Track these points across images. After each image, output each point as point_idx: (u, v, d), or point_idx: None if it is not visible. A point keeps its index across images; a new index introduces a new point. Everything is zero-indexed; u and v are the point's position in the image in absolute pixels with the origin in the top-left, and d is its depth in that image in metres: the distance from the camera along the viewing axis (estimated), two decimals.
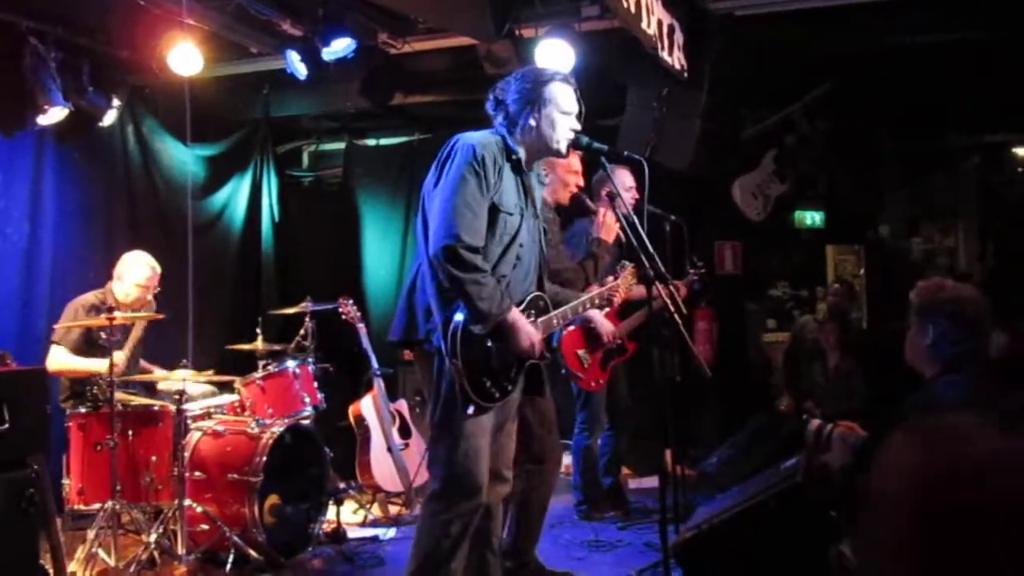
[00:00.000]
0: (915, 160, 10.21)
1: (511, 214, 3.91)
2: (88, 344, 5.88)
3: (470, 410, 3.81)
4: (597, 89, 5.74)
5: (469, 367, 3.76)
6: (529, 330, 3.88)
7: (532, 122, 3.95)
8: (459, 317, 3.74)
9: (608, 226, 5.15)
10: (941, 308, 3.55)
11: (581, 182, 5.57)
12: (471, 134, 3.95)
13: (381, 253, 9.38)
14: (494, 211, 3.84)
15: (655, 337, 5.58)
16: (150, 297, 6.14)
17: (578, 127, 4.04)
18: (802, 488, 3.74)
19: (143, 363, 6.29)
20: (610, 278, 4.74)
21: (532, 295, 4.06)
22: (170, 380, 5.88)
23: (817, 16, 6.82)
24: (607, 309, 6.21)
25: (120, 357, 5.74)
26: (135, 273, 6.09)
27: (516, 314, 3.85)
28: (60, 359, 5.82)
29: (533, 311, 4.04)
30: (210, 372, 6.12)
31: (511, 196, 3.93)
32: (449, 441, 3.87)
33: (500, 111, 4.02)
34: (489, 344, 3.81)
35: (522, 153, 4.02)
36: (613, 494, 6.69)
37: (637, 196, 5.92)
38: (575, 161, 5.47)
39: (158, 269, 6.18)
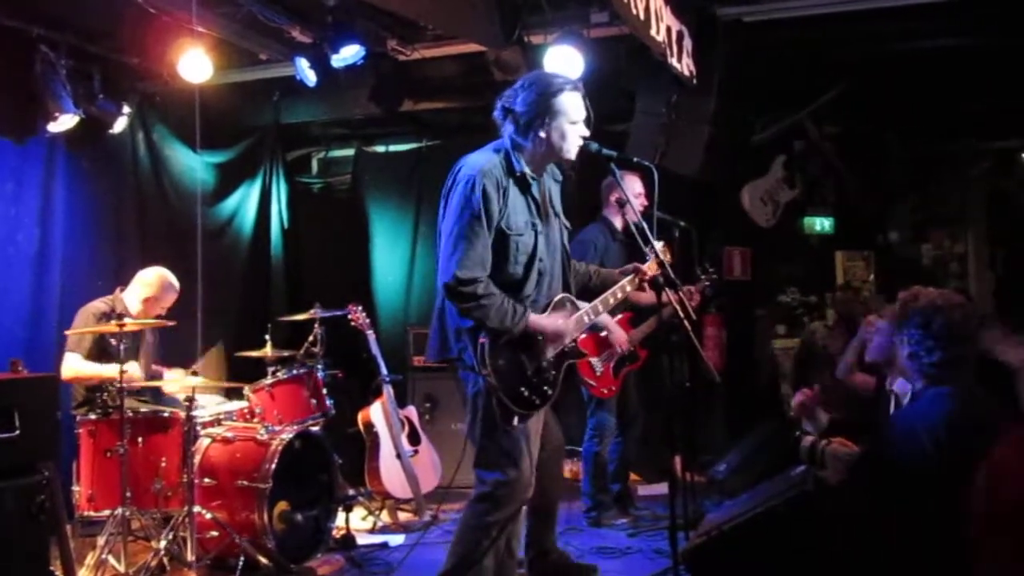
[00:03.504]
0: (925, 166, 10.20)
1: (522, 234, 3.98)
2: (100, 351, 5.89)
3: (515, 421, 3.88)
4: (606, 95, 5.75)
5: (503, 380, 3.86)
6: (551, 326, 3.98)
7: (543, 134, 4.00)
8: (486, 334, 3.84)
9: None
10: (912, 319, 3.54)
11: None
12: (473, 159, 4.01)
13: (390, 259, 9.38)
14: (503, 236, 3.92)
15: (664, 343, 5.57)
16: (156, 311, 6.15)
17: (587, 133, 4.07)
18: (812, 495, 3.73)
19: (155, 367, 6.31)
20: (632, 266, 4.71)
21: (557, 298, 4.11)
22: (179, 386, 5.90)
23: (826, 21, 6.81)
24: (620, 316, 6.25)
25: (136, 368, 5.78)
26: (159, 293, 6.10)
27: (534, 318, 3.94)
28: (75, 366, 5.83)
29: (560, 312, 4.09)
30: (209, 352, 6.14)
31: (520, 215, 4.00)
32: (495, 450, 3.97)
33: (509, 120, 4.07)
34: (520, 354, 3.92)
35: (530, 165, 4.06)
36: (622, 501, 6.69)
37: (646, 202, 5.93)
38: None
39: (177, 288, 6.19)
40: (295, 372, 6.38)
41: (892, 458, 3.45)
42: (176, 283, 6.22)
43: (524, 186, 4.04)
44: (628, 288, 4.46)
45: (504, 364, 3.89)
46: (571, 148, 4.04)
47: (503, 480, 3.96)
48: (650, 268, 4.52)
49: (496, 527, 3.99)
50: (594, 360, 6.23)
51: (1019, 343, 4.53)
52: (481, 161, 3.99)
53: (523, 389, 3.92)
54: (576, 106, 4.04)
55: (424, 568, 5.43)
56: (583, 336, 6.11)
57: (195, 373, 6.18)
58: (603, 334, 6.23)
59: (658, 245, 4.55)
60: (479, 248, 3.86)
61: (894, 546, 3.33)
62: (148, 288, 6.14)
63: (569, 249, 4.35)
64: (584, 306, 4.23)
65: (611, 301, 4.40)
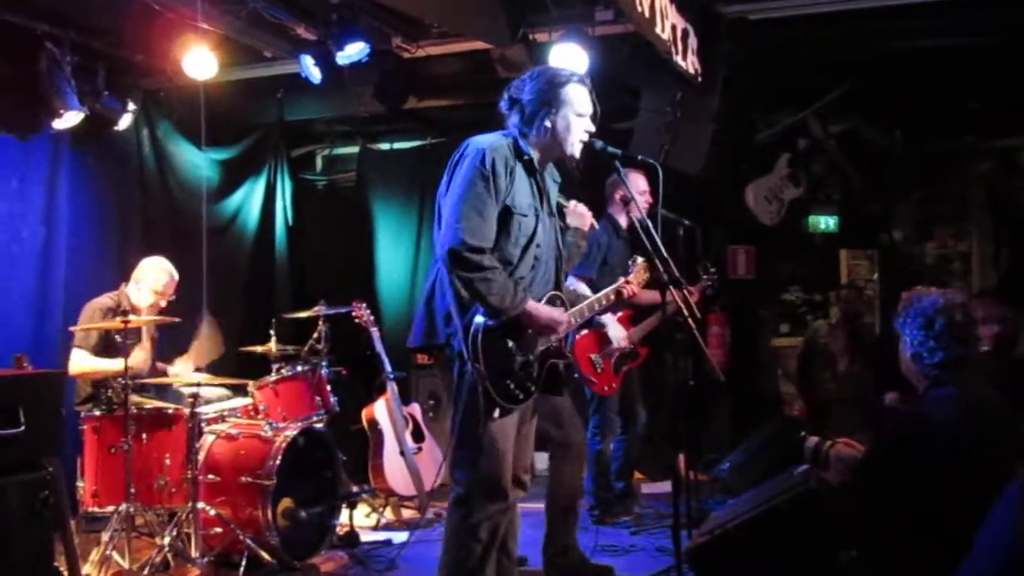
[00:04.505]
0: (928, 164, 10.18)
1: (525, 216, 3.92)
2: (106, 346, 5.90)
3: (496, 413, 3.82)
4: (611, 93, 5.73)
5: (491, 370, 3.78)
6: (547, 312, 3.92)
7: (548, 123, 3.95)
8: (479, 320, 3.77)
9: (579, 215, 5.07)
10: (914, 319, 3.52)
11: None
12: (482, 137, 3.96)
13: (394, 257, 9.39)
14: (508, 214, 3.86)
15: (668, 341, 5.58)
16: (163, 303, 6.16)
17: (593, 129, 4.04)
18: (815, 494, 3.73)
19: (159, 364, 6.32)
20: (622, 278, 4.74)
21: (549, 294, 4.07)
22: (184, 382, 5.92)
23: (830, 20, 6.81)
24: (619, 314, 6.25)
25: (140, 357, 5.79)
26: (154, 280, 6.11)
27: (531, 303, 3.87)
28: (82, 362, 5.85)
29: None
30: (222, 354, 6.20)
31: (525, 197, 3.94)
32: (473, 445, 3.86)
33: (515, 110, 4.02)
34: (510, 345, 3.83)
35: (535, 154, 4.03)
36: (625, 499, 6.69)
37: (651, 200, 5.94)
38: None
39: (176, 276, 6.21)
40: (299, 369, 6.39)
41: (896, 460, 3.44)
42: (170, 267, 6.22)
43: (531, 170, 4.01)
44: (612, 297, 4.47)
45: (493, 354, 3.80)
46: (575, 141, 4.01)
47: (477, 478, 3.88)
48: (636, 279, 4.54)
49: (482, 528, 3.89)
50: (594, 357, 6.24)
51: None
52: (491, 139, 3.94)
53: (509, 382, 3.84)
54: (582, 99, 4.01)
55: (427, 565, 5.44)
56: (584, 333, 6.17)
57: (199, 369, 6.18)
58: (603, 330, 6.24)
59: (640, 261, 4.56)
60: (488, 220, 3.79)
61: (897, 547, 3.33)
62: (143, 271, 6.15)
63: (563, 250, 4.31)
64: (571, 309, 4.20)
65: (596, 307, 4.40)
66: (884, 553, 3.38)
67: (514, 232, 3.90)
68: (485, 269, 3.73)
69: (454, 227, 3.75)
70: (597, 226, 4.58)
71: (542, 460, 5.76)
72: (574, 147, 4.02)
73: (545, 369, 4.03)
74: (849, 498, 3.61)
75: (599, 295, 4.41)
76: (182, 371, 6.26)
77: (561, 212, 5.21)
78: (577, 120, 3.98)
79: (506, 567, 4.18)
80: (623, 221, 6.38)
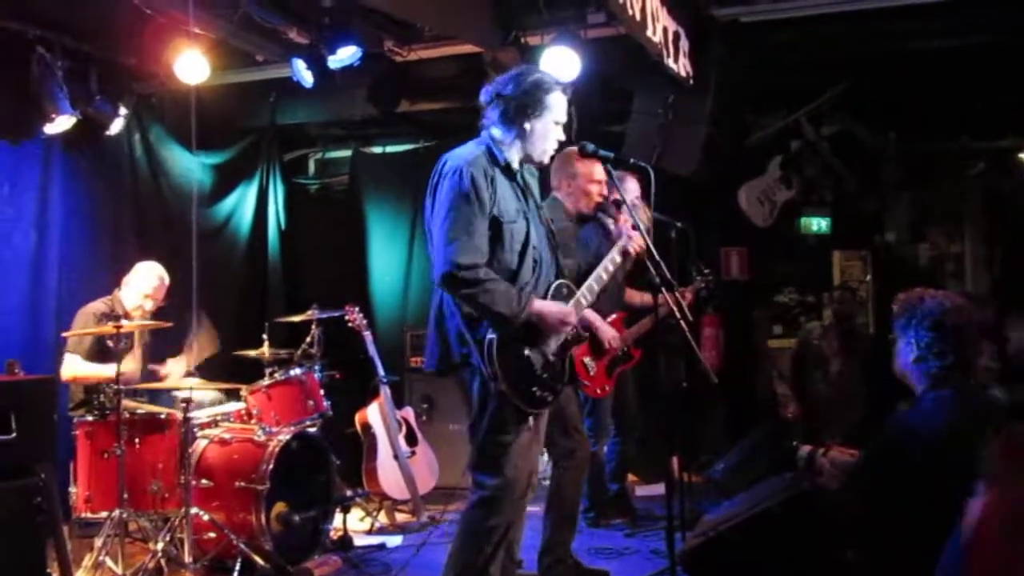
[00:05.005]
0: (921, 165, 10.19)
1: (514, 222, 3.94)
2: (99, 351, 5.90)
3: (530, 422, 3.85)
4: (603, 96, 5.74)
5: (514, 382, 3.80)
6: (556, 309, 3.94)
7: (527, 126, 3.97)
8: (491, 335, 3.79)
9: (631, 238, 5.07)
10: (921, 321, 3.50)
11: (605, 191, 5.55)
12: (457, 152, 3.99)
13: (387, 260, 9.38)
14: (498, 224, 3.88)
15: (661, 344, 5.57)
16: (149, 307, 6.15)
17: (563, 138, 4.07)
18: (808, 496, 3.73)
19: (152, 366, 6.32)
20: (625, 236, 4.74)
21: (554, 285, 4.08)
22: (177, 387, 5.91)
23: (823, 22, 6.82)
24: (613, 316, 6.24)
25: (131, 366, 5.79)
26: (143, 283, 6.12)
27: (538, 303, 3.88)
28: (75, 367, 5.85)
29: (559, 300, 4.07)
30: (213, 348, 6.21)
31: (510, 203, 3.96)
32: (498, 452, 3.90)
33: (495, 104, 4.03)
34: (527, 353, 3.86)
35: (513, 154, 4.03)
36: (620, 501, 6.69)
37: (639, 203, 5.93)
38: (597, 170, 5.41)
39: (167, 280, 6.22)
40: (292, 373, 6.38)
41: (895, 461, 3.44)
42: (162, 272, 6.23)
43: (510, 175, 4.02)
44: (617, 259, 4.47)
45: (513, 363, 3.82)
46: (548, 150, 4.05)
47: (502, 484, 3.90)
48: (637, 241, 4.53)
49: (498, 532, 3.94)
50: (587, 359, 6.23)
51: None
52: (465, 153, 3.96)
53: (535, 389, 3.88)
54: (561, 108, 4.04)
55: (421, 569, 5.44)
56: None
57: (192, 374, 6.17)
58: (594, 332, 6.24)
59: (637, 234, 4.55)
60: (476, 236, 3.80)
61: (896, 549, 3.32)
62: (134, 275, 6.20)
63: (556, 236, 4.31)
64: (579, 289, 4.21)
65: (603, 276, 4.38)
66: (884, 555, 3.37)
67: (507, 240, 3.92)
68: (483, 281, 3.75)
69: (444, 251, 3.79)
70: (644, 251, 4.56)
71: None
72: (545, 155, 4.05)
73: (568, 362, 4.05)
74: (846, 501, 3.60)
75: (605, 260, 4.41)
76: (174, 370, 6.26)
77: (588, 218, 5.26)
78: (554, 128, 4.01)
79: (508, 567, 4.21)
80: (612, 224, 6.37)
